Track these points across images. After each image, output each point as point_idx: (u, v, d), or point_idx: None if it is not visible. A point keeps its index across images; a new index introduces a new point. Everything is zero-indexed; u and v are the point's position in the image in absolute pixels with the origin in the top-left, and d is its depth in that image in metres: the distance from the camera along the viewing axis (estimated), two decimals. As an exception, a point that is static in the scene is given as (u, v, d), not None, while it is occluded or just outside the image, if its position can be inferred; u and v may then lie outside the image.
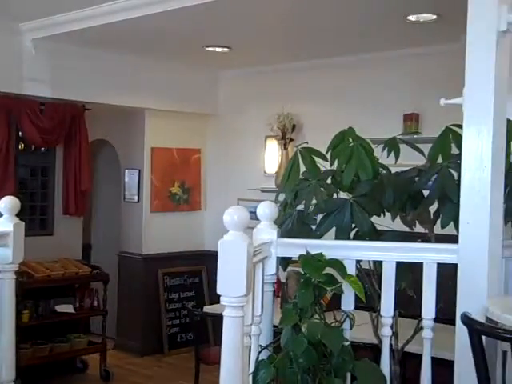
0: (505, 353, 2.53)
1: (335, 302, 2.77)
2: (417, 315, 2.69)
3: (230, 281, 2.23)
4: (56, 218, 6.58)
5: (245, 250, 2.24)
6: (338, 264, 2.59)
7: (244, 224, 2.30)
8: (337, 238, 2.79)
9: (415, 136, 5.49)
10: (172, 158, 7.06)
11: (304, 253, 2.64)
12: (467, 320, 2.10)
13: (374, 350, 2.80)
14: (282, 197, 3.03)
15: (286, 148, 6.33)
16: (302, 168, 3.01)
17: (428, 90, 5.39)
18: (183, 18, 4.87)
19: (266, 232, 2.76)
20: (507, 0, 2.56)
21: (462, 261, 2.53)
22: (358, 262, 2.81)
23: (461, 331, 2.35)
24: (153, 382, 6.09)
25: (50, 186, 6.58)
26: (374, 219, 2.84)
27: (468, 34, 2.56)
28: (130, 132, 7.05)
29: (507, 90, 2.62)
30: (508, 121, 2.65)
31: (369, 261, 2.83)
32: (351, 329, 2.66)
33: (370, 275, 2.87)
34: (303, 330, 2.46)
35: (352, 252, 2.70)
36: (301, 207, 2.92)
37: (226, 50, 5.99)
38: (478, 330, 2.06)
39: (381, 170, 2.95)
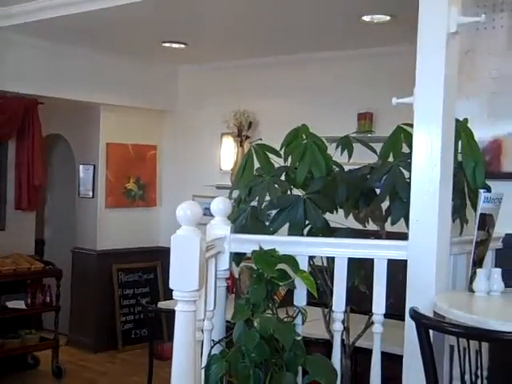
0: (452, 347, 2.59)
1: (289, 298, 2.79)
2: (369, 311, 2.74)
3: (183, 275, 2.24)
4: (8, 213, 6.48)
5: (197, 244, 2.24)
6: (290, 260, 2.62)
7: (197, 219, 2.31)
8: (290, 234, 2.82)
9: (369, 135, 5.57)
10: (127, 153, 7.02)
11: (257, 248, 2.66)
12: (415, 314, 2.15)
13: (327, 345, 2.83)
14: (236, 193, 3.05)
15: (241, 145, 6.34)
16: (257, 164, 3.03)
17: (382, 89, 5.45)
18: (135, 13, 4.85)
19: (220, 227, 2.77)
20: (457, 2, 2.62)
21: (411, 257, 2.58)
22: (311, 258, 2.84)
23: (409, 326, 2.40)
24: (106, 378, 6.05)
25: (1, 181, 6.46)
26: (328, 216, 2.88)
27: (419, 36, 2.62)
28: (85, 127, 6.98)
29: (456, 91, 2.68)
30: (456, 120, 2.71)
31: (321, 257, 2.87)
32: (303, 324, 2.69)
33: (322, 271, 2.91)
34: (255, 324, 2.48)
35: (305, 248, 2.73)
36: (254, 203, 2.94)
37: (182, 46, 5.97)
38: (426, 325, 2.10)
39: (334, 167, 2.99)
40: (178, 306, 2.23)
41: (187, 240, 2.26)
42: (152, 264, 7.16)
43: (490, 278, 2.64)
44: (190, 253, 2.24)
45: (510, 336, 1.97)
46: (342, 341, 2.78)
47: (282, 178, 2.99)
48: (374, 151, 3.05)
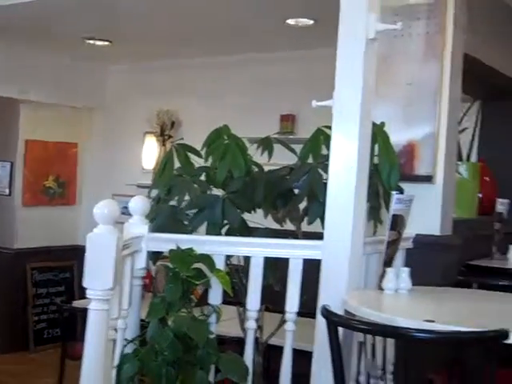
0: (361, 344, 2.66)
1: (206, 297, 2.80)
2: (283, 310, 2.77)
3: (97, 274, 2.22)
4: None
5: (113, 243, 2.23)
6: (207, 259, 2.63)
7: (114, 217, 2.30)
8: (208, 233, 2.83)
9: (290, 136, 5.65)
10: (47, 151, 6.88)
11: (175, 248, 2.65)
12: (325, 312, 2.20)
13: (241, 344, 2.85)
14: (155, 192, 3.03)
15: (164, 144, 6.32)
16: (177, 164, 3.02)
17: (305, 91, 5.52)
18: (58, 8, 4.76)
19: (137, 226, 2.76)
20: (376, 9, 2.69)
21: (325, 257, 2.63)
22: (228, 257, 2.86)
23: (320, 323, 2.44)
24: (17, 379, 5.85)
25: None
26: (248, 216, 2.90)
27: (339, 41, 2.67)
28: (3, 123, 6.79)
29: (373, 95, 2.75)
30: (373, 124, 2.78)
31: (238, 256, 2.89)
32: (217, 322, 2.70)
33: (238, 270, 2.93)
34: (170, 323, 2.48)
35: (221, 247, 2.74)
36: (173, 203, 2.93)
37: (106, 43, 5.89)
38: (335, 322, 2.15)
39: (254, 167, 3.01)
40: (91, 305, 2.22)
41: (103, 238, 2.25)
42: (68, 263, 7.02)
43: (398, 276, 2.73)
44: (105, 251, 2.23)
45: (414, 332, 2.03)
46: (256, 339, 2.81)
47: (203, 178, 3.00)
48: (294, 152, 3.09)
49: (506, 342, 2.04)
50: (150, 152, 6.59)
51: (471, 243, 4.03)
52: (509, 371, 2.98)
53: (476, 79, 4.35)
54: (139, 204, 2.79)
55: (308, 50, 5.64)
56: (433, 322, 2.21)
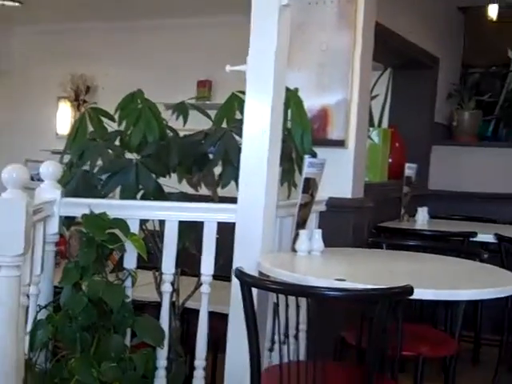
0: (276, 304, 2.72)
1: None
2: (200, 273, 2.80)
3: (6, 240, 2.16)
4: None
5: (22, 207, 2.18)
6: (121, 223, 2.62)
7: (23, 182, 2.25)
8: (122, 197, 2.81)
9: (207, 102, 5.64)
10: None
11: (88, 212, 2.63)
12: (239, 274, 2.24)
13: (159, 308, 2.87)
14: (68, 157, 2.98)
15: (79, 110, 6.20)
16: (91, 129, 2.98)
17: (221, 57, 5.50)
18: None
19: (49, 191, 2.71)
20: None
21: (239, 220, 2.67)
22: (144, 222, 2.86)
23: (235, 285, 2.49)
24: None
25: None
26: (163, 181, 2.89)
27: (252, 6, 2.68)
28: None
29: (287, 61, 2.78)
30: (287, 89, 2.82)
31: (153, 222, 2.89)
32: (133, 286, 2.71)
33: (154, 235, 2.93)
34: (84, 288, 2.47)
35: (136, 211, 2.74)
36: (87, 167, 2.89)
37: (17, 4, 5.68)
38: (248, 283, 2.20)
39: (168, 132, 3.00)
40: (2, 272, 2.17)
41: (11, 203, 2.19)
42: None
43: (311, 238, 2.80)
44: (15, 216, 2.17)
45: (325, 291, 2.11)
46: (173, 302, 2.84)
47: (117, 142, 2.97)
48: (209, 117, 3.09)
49: (411, 297, 2.13)
50: (65, 117, 6.44)
51: (382, 206, 4.17)
52: (415, 325, 3.14)
53: (387, 48, 4.46)
54: (50, 169, 2.74)
55: (223, 16, 5.62)
56: (343, 280, 2.29)
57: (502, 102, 5.71)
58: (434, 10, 5.39)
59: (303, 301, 2.40)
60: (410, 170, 4.42)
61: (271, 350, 2.88)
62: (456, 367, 3.02)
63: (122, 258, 2.75)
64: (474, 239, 3.98)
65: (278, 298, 2.19)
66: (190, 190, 3.03)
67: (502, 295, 2.42)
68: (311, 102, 3.39)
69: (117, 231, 2.61)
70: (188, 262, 2.92)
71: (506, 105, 5.64)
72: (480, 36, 6.66)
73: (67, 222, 2.82)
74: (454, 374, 3.00)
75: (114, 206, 2.71)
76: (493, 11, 6.64)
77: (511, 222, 4.79)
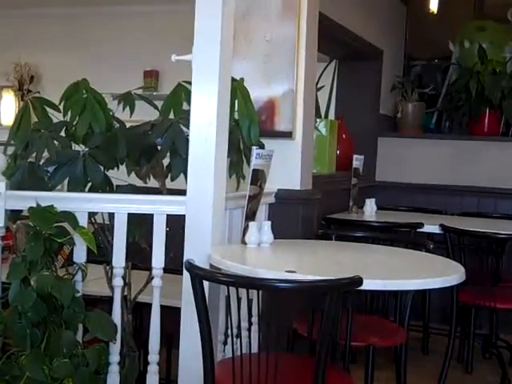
0: (228, 297, 2.73)
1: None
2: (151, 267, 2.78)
3: None
4: None
5: (-35, 201, 2.13)
6: (69, 216, 2.58)
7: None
8: (70, 190, 2.75)
9: (155, 93, 5.59)
10: None
11: (34, 205, 2.58)
12: (189, 266, 2.23)
13: (111, 302, 2.83)
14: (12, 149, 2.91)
15: (23, 99, 6.06)
16: (34, 119, 2.91)
17: (168, 47, 5.46)
18: None
19: (-7, 184, 2.65)
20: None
21: (188, 212, 2.66)
22: (93, 215, 2.81)
23: (186, 278, 2.48)
24: None
25: None
26: (112, 174, 2.85)
27: (196, -4, 2.67)
28: None
29: (232, 52, 2.77)
30: (233, 80, 2.81)
31: (102, 214, 2.85)
32: (83, 280, 2.66)
33: (104, 228, 2.89)
34: (32, 283, 2.41)
35: (84, 204, 2.69)
36: (32, 159, 2.83)
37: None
38: (199, 275, 2.19)
39: (115, 123, 2.96)
40: None
41: (-48, 196, 2.14)
42: None
43: (260, 230, 2.81)
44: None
45: (275, 283, 2.11)
46: (125, 297, 2.81)
47: (63, 133, 2.91)
48: (156, 108, 3.06)
49: (361, 288, 2.16)
50: (8, 108, 6.29)
51: (330, 197, 4.21)
52: (366, 316, 3.19)
53: (332, 39, 4.50)
54: (-6, 161, 2.67)
55: (172, 5, 5.56)
56: (294, 272, 2.31)
57: (443, 95, 5.82)
58: (378, 2, 5.46)
59: (255, 293, 2.40)
60: (357, 161, 4.47)
61: (225, 343, 2.88)
62: (407, 356, 3.07)
63: (72, 253, 2.71)
64: (421, 230, 4.07)
65: (228, 290, 2.19)
66: (139, 183, 3.00)
67: (448, 284, 2.47)
68: (258, 93, 3.39)
69: (65, 224, 2.57)
70: (140, 256, 2.89)
71: (447, 97, 5.75)
72: (422, 29, 6.79)
73: (13, 215, 2.76)
74: (405, 363, 3.06)
75: (61, 199, 2.66)
76: (434, 4, 6.77)
77: (456, 213, 4.91)
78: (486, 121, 5.51)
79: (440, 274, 2.54)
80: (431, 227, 4.07)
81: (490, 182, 5.29)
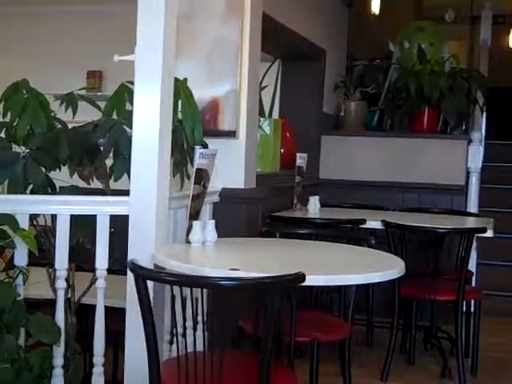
0: (174, 297, 2.73)
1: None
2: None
3: None
4: None
5: None
6: (9, 219, 2.53)
7: None
8: (10, 192, 2.72)
9: (98, 93, 5.54)
10: None
11: (-29, 208, 2.53)
12: (133, 266, 2.22)
13: (55, 305, 2.80)
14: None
15: (-40, 101, 5.90)
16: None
17: (111, 47, 5.42)
18: None
19: None
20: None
21: (132, 212, 2.65)
22: (35, 217, 2.78)
23: (130, 279, 2.47)
24: None
25: None
26: (54, 175, 2.82)
27: (138, -4, 2.66)
28: None
29: (175, 51, 2.77)
30: (177, 80, 2.81)
31: (44, 216, 2.81)
32: (25, 284, 2.63)
33: (46, 231, 2.86)
34: (-29, 287, 2.37)
35: (25, 206, 2.65)
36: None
37: None
38: (143, 275, 2.19)
39: (57, 124, 2.93)
40: None
41: None
42: None
43: (204, 229, 2.82)
44: None
45: (219, 281, 2.13)
46: (69, 299, 2.78)
47: (2, 134, 2.86)
48: (99, 108, 3.04)
49: (304, 284, 2.19)
50: None
51: (275, 196, 4.26)
52: (311, 312, 3.23)
53: (275, 40, 4.54)
54: None
55: (115, 5, 5.51)
56: (237, 270, 2.33)
57: (385, 94, 5.94)
58: (321, 3, 5.53)
59: (202, 292, 2.41)
60: (301, 159, 4.52)
61: (171, 342, 2.88)
62: (351, 350, 3.13)
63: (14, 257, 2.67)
64: (364, 226, 4.14)
65: (172, 289, 2.20)
66: (82, 184, 2.97)
67: (388, 278, 2.52)
68: (202, 93, 3.40)
69: (5, 227, 2.53)
70: (85, 258, 2.87)
71: (388, 96, 5.87)
72: (364, 30, 6.92)
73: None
74: (350, 357, 3.12)
75: (1, 201, 2.61)
76: (375, 6, 6.91)
77: (398, 209, 5.02)
78: (426, 119, 5.65)
79: (381, 268, 2.59)
80: (373, 223, 4.15)
81: (430, 178, 5.42)
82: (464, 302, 3.99)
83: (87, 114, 3.04)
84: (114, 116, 2.88)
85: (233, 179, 3.57)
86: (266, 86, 4.76)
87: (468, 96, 5.66)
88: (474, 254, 5.17)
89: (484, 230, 3.92)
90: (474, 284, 5.05)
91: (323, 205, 4.72)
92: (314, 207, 4.58)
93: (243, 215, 3.63)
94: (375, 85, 5.94)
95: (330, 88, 5.82)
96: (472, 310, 4.24)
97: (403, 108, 5.70)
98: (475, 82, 5.67)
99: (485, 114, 6.13)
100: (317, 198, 4.64)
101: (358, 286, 2.96)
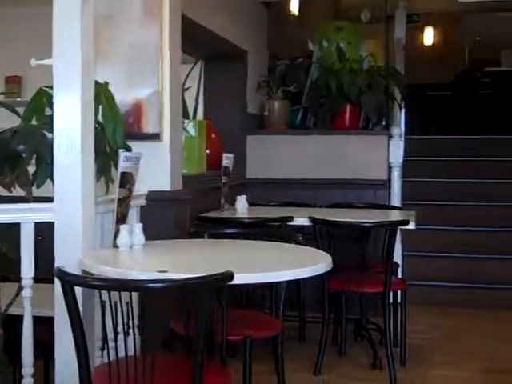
0: (104, 302, 2.70)
1: None
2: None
3: None
4: None
5: None
6: None
7: None
8: None
9: (18, 99, 5.42)
10: None
11: None
12: (59, 273, 2.19)
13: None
14: None
15: None
16: None
17: (30, 51, 5.31)
18: None
19: None
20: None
21: (57, 219, 2.61)
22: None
23: (58, 286, 2.43)
24: None
25: None
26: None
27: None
28: None
29: (94, 54, 2.74)
30: (96, 83, 2.78)
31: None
32: None
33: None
34: None
35: None
36: None
37: None
38: (70, 282, 2.16)
39: (-27, 132, 2.85)
40: None
41: None
42: None
43: (132, 233, 2.81)
44: None
45: (147, 283, 2.12)
46: (-7, 311, 2.71)
47: None
48: (18, 114, 2.97)
49: (233, 283, 2.21)
50: None
51: (202, 197, 4.26)
52: (242, 311, 3.26)
53: (196, 41, 4.55)
54: None
55: (33, 7, 5.38)
56: (166, 272, 2.32)
57: (307, 92, 6.03)
58: (240, 4, 5.57)
59: (132, 296, 2.39)
60: (227, 160, 4.55)
61: (102, 348, 2.85)
62: (284, 346, 3.17)
63: None
64: (292, 223, 4.20)
65: (100, 294, 2.17)
66: (4, 192, 2.90)
67: (316, 273, 2.57)
68: (124, 96, 3.38)
69: None
70: (10, 267, 2.80)
71: (310, 94, 5.96)
72: (284, 30, 7.01)
73: None
74: (282, 352, 3.16)
75: None
76: (294, 6, 7.01)
77: (325, 205, 5.11)
78: (347, 116, 5.77)
79: (308, 264, 2.63)
80: (301, 220, 4.20)
81: (354, 173, 5.54)
82: (391, 293, 4.09)
83: (7, 121, 2.98)
84: (34, 122, 2.83)
85: (159, 182, 3.56)
86: (189, 87, 4.76)
87: (386, 93, 5.81)
88: (399, 247, 5.31)
89: (406, 223, 4.03)
90: (400, 275, 5.18)
91: (251, 204, 4.76)
92: (241, 206, 4.61)
93: (171, 217, 3.63)
94: (297, 84, 6.02)
95: (253, 88, 5.86)
96: (399, 300, 4.36)
97: (325, 106, 5.80)
98: (392, 80, 5.82)
99: (403, 110, 6.30)
100: (244, 197, 4.67)
101: (288, 282, 2.99)
